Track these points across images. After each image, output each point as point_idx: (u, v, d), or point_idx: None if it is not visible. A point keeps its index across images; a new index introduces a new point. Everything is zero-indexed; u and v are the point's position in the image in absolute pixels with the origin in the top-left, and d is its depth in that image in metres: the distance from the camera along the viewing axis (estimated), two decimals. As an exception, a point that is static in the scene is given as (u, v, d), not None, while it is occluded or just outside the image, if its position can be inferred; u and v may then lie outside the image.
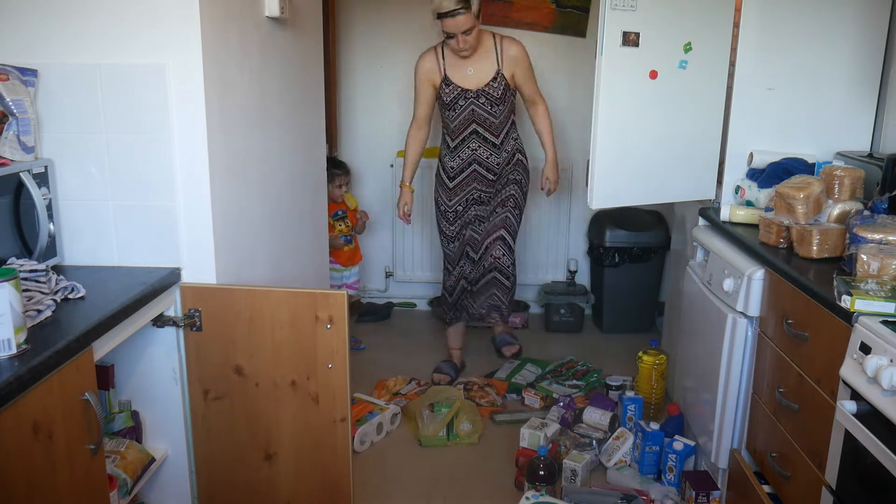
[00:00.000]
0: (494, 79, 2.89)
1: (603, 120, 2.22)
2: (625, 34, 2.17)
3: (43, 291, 1.48)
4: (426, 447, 2.68)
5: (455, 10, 2.68)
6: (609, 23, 2.15)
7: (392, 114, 3.95)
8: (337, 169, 3.55)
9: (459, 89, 2.91)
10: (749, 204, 2.40)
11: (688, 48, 2.28)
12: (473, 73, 2.90)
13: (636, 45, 2.20)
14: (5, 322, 1.23)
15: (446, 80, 2.90)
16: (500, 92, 2.90)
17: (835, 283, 1.63)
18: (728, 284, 2.14)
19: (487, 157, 3.01)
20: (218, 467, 1.89)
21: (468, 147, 2.99)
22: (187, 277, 1.80)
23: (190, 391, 1.84)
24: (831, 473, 1.58)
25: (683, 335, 2.68)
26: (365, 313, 3.98)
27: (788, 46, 2.36)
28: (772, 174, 2.32)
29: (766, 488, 1.95)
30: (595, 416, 2.73)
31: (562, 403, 2.79)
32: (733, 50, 2.39)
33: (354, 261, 3.64)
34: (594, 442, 2.59)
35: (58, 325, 1.40)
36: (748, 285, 2.05)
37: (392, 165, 3.93)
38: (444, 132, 3.05)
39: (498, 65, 2.89)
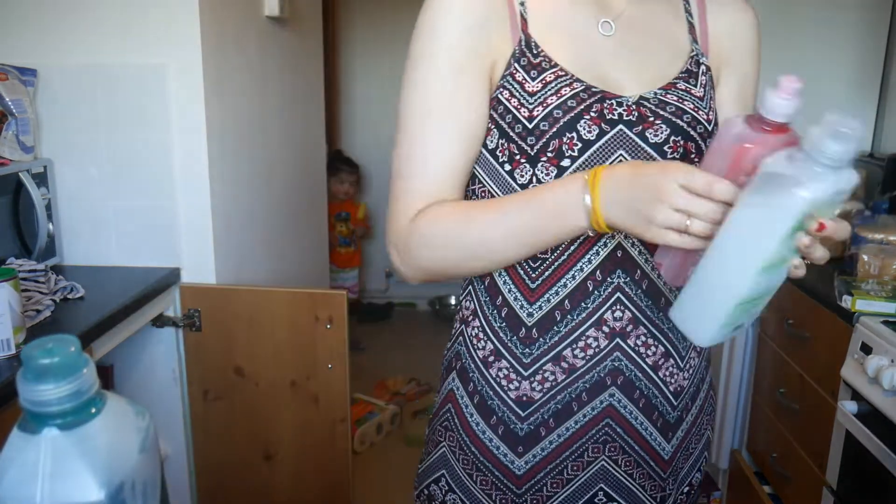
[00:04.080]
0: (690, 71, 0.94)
1: None
2: None
3: (42, 291, 1.48)
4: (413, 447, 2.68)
5: None
6: None
7: (393, 114, 3.94)
8: (344, 164, 3.48)
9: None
10: (749, 204, 2.39)
11: None
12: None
13: None
14: (4, 322, 1.22)
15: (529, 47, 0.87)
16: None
17: (835, 283, 1.62)
18: (728, 285, 2.14)
19: None
20: (218, 468, 1.88)
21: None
22: (187, 277, 1.79)
23: (190, 391, 1.83)
24: (832, 474, 1.57)
25: (684, 335, 2.67)
26: (365, 313, 3.97)
27: (789, 47, 2.36)
28: (772, 174, 2.32)
29: (767, 489, 1.94)
30: (595, 417, 2.72)
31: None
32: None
33: (352, 264, 3.62)
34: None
35: (57, 326, 1.39)
36: (749, 285, 2.04)
37: (392, 165, 3.92)
38: None
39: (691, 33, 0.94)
